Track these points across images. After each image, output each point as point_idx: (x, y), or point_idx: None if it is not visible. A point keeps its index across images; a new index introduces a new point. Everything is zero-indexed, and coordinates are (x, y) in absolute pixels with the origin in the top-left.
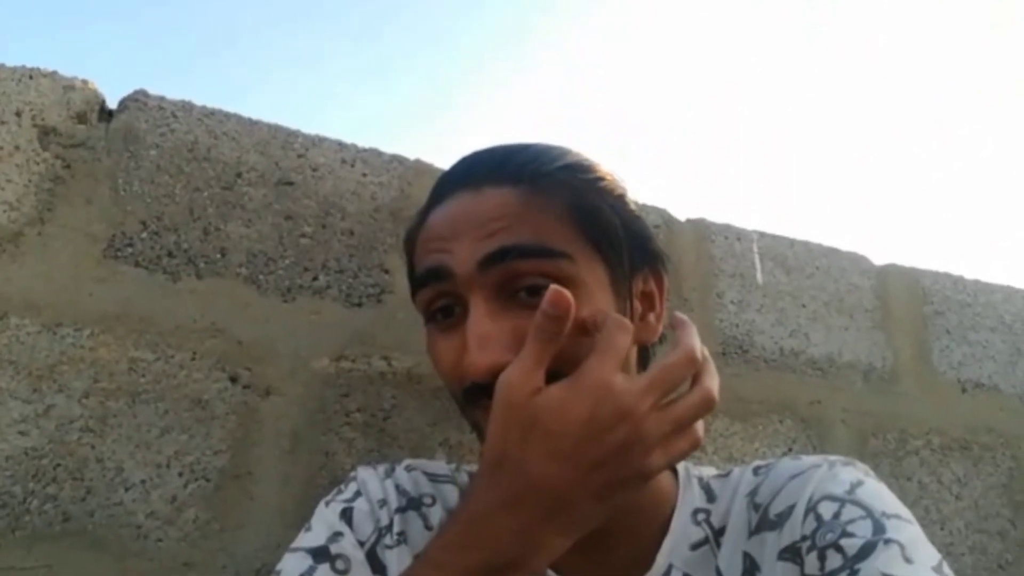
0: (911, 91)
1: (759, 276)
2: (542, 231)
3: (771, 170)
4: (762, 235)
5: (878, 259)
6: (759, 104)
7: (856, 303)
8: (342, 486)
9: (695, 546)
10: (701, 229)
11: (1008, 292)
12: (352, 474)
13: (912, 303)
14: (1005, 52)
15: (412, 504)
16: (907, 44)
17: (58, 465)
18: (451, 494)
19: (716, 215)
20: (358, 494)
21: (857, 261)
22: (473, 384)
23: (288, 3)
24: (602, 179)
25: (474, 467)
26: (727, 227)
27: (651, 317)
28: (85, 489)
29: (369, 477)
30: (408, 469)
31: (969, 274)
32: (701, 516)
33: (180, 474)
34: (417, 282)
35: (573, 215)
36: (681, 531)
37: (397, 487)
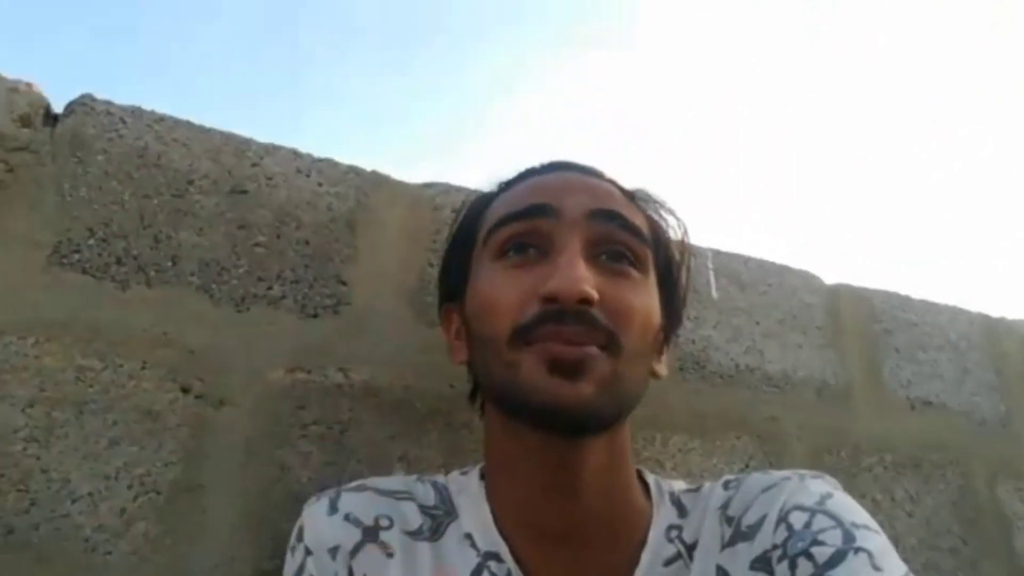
0: (907, 91)
1: (714, 292)
2: (638, 221)
3: (724, 185)
4: (717, 252)
5: (830, 278)
6: (719, 119)
7: (808, 321)
8: (293, 540)
9: (668, 562)
10: (691, 260)
11: (954, 312)
12: (299, 520)
13: (862, 322)
14: (1005, 52)
15: (368, 535)
16: (906, 44)
17: (1, 476)
18: (409, 512)
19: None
20: (307, 553)
21: (808, 279)
22: (543, 313)
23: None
24: (678, 221)
25: (438, 477)
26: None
27: (663, 357)
28: (29, 501)
29: (316, 520)
30: (358, 489)
31: (916, 294)
32: (674, 533)
33: (129, 486)
34: (508, 216)
35: (652, 235)
36: (656, 548)
37: (347, 517)
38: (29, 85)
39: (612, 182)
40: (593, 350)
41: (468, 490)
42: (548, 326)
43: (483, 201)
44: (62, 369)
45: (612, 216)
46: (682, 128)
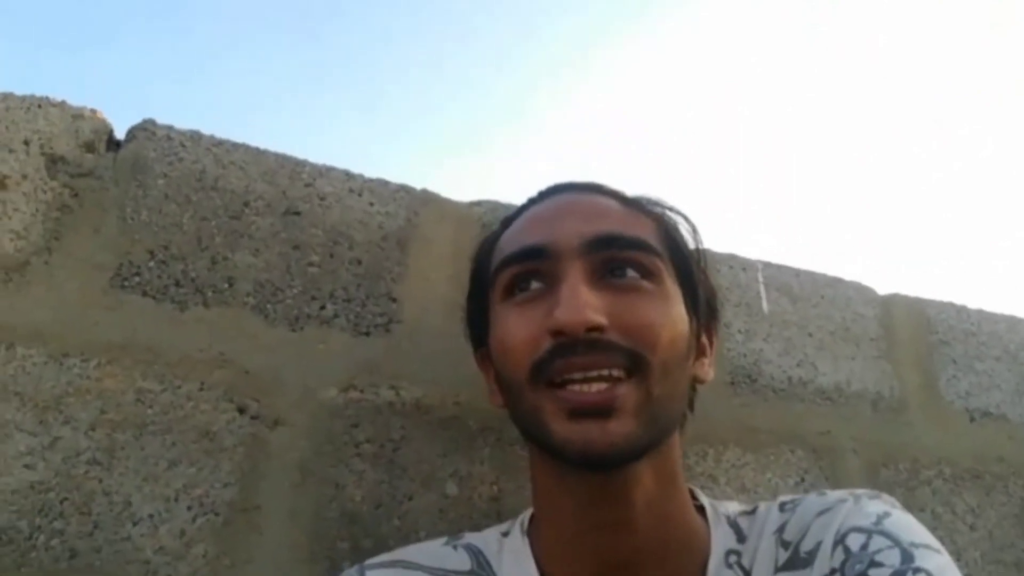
0: (907, 90)
1: (765, 305)
2: (642, 231)
3: (772, 199)
4: (767, 265)
5: (881, 289)
6: (758, 134)
7: (862, 333)
8: None
9: None
10: (706, 259)
11: (1012, 322)
12: None
13: (917, 333)
14: (1005, 52)
15: None
16: (907, 44)
17: (65, 499)
18: None
19: (720, 245)
20: None
21: (861, 291)
22: (555, 346)
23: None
24: (686, 220)
25: (472, 538)
26: (732, 256)
27: (705, 360)
28: (92, 524)
29: None
30: (386, 566)
31: (972, 303)
32: (732, 558)
33: (189, 508)
34: (507, 259)
35: (662, 235)
36: (716, 574)
37: None
38: (94, 111)
39: (612, 194)
40: (620, 390)
41: (510, 548)
42: (563, 359)
43: (490, 241)
44: (123, 391)
45: (609, 241)
46: (729, 139)
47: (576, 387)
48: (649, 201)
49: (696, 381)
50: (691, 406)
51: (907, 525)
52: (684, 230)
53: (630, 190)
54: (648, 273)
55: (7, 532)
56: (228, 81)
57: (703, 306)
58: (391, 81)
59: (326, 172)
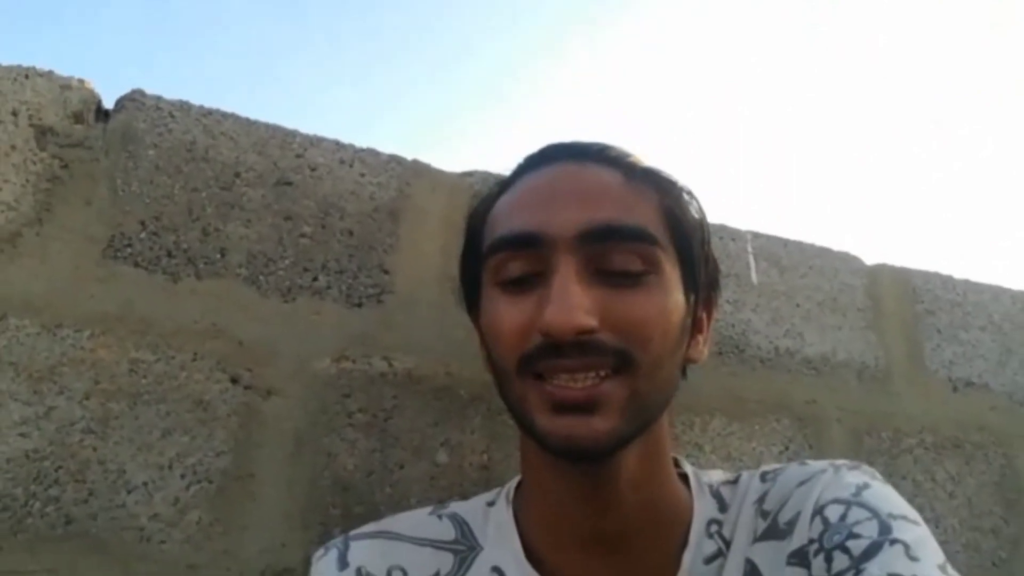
0: (906, 91)
1: (754, 276)
2: (642, 216)
3: (762, 170)
4: (756, 235)
5: (869, 259)
6: (752, 106)
7: (849, 302)
8: None
9: (709, 560)
10: (708, 233)
11: (996, 292)
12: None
13: (903, 302)
14: (1005, 52)
15: None
16: (907, 44)
17: (59, 467)
18: (427, 557)
19: (710, 216)
20: None
21: (849, 261)
22: (544, 344)
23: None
24: (689, 194)
25: (456, 507)
26: (722, 227)
27: (700, 338)
28: (87, 491)
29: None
30: (369, 536)
31: (958, 273)
32: (714, 528)
33: (183, 476)
34: (497, 244)
35: (664, 213)
36: (697, 544)
37: (359, 572)
38: (81, 81)
39: (615, 160)
40: (604, 387)
41: (495, 518)
42: (549, 359)
43: (485, 205)
44: (116, 362)
45: (607, 232)
46: (717, 109)
47: (562, 382)
48: (652, 171)
49: (688, 361)
50: (684, 375)
51: (886, 496)
52: (687, 202)
53: (634, 154)
54: (648, 264)
55: (3, 499)
56: (215, 53)
57: (703, 282)
58: (379, 53)
59: (317, 142)
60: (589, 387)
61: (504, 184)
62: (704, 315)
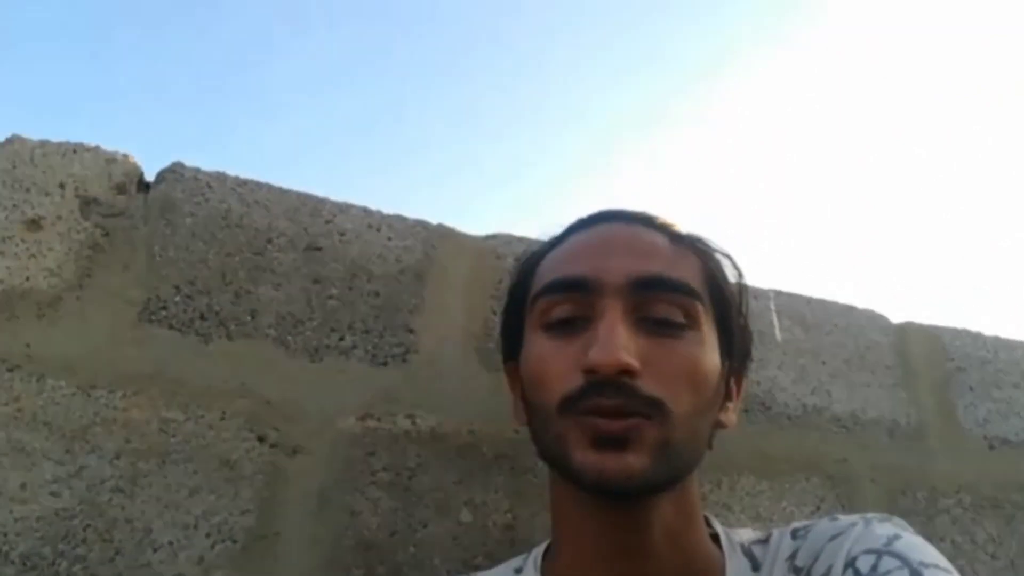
0: (928, 147)
1: (778, 334)
2: (686, 274)
3: (780, 228)
4: (778, 293)
5: (895, 316)
6: (772, 163)
7: (876, 360)
8: None
9: None
10: (748, 303)
11: None
12: None
13: (933, 360)
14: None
15: None
16: (919, 93)
17: (88, 526)
18: None
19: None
20: None
21: (874, 319)
22: (586, 384)
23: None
24: (731, 262)
25: (486, 573)
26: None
27: (731, 405)
28: (114, 550)
29: None
30: None
31: (988, 330)
32: None
33: (208, 535)
34: (548, 287)
35: (706, 277)
36: None
37: None
38: (125, 156)
39: (661, 227)
40: (636, 421)
41: None
42: (591, 399)
43: (533, 259)
44: (147, 421)
45: (654, 282)
46: (736, 167)
47: (601, 420)
48: (696, 239)
49: (718, 426)
50: (710, 445)
51: (917, 546)
52: (728, 270)
53: (678, 223)
54: (688, 318)
55: (31, 558)
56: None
57: (737, 351)
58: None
59: (346, 209)
60: (626, 424)
61: (554, 241)
62: (735, 384)
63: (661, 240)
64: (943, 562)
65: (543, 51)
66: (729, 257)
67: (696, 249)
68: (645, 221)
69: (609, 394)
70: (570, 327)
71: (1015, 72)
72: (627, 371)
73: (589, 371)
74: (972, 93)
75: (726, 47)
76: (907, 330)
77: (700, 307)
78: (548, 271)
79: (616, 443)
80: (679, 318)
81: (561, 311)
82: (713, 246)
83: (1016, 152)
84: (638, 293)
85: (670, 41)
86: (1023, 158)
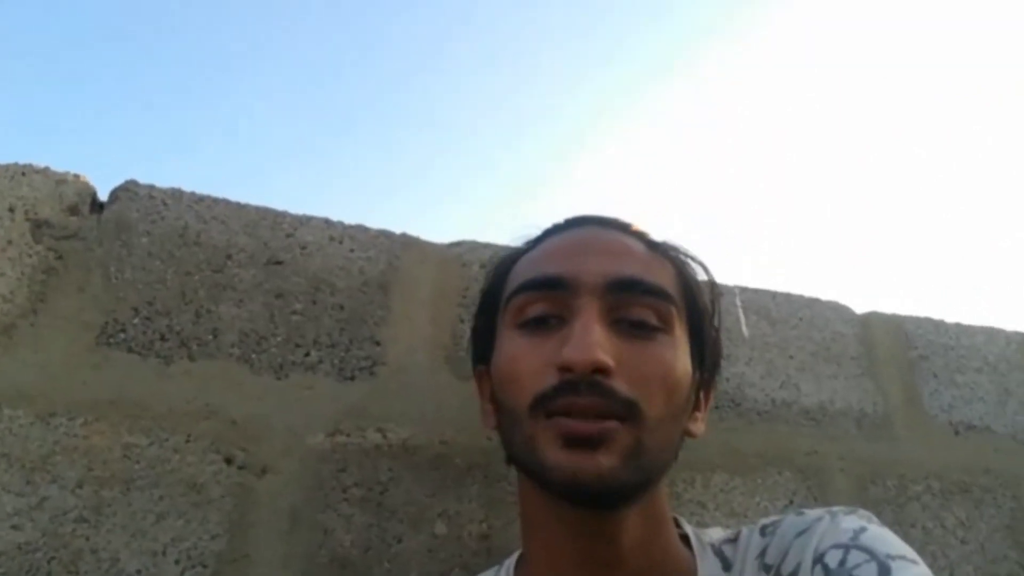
0: (886, 138)
1: (744, 330)
2: (662, 279)
3: (742, 223)
4: (743, 289)
5: (859, 307)
6: (735, 161)
7: (842, 351)
8: None
9: None
10: (720, 314)
11: (990, 333)
12: None
13: (897, 349)
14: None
15: None
16: (878, 61)
17: (52, 559)
18: None
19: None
20: None
21: (839, 310)
22: (560, 383)
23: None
24: (705, 271)
25: None
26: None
27: (698, 415)
28: None
29: None
30: None
31: (949, 317)
32: None
33: (177, 561)
34: (523, 285)
35: (680, 285)
36: None
37: None
38: (77, 176)
39: (636, 234)
40: (611, 424)
41: None
42: (566, 397)
43: (508, 262)
44: (109, 447)
45: (630, 283)
46: (698, 165)
47: (574, 420)
48: (671, 247)
49: (687, 435)
50: (676, 455)
51: (883, 538)
52: (702, 277)
53: (652, 231)
54: (662, 322)
55: None
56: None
57: (708, 361)
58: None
59: (306, 221)
60: (601, 427)
61: (528, 245)
62: (704, 395)
63: (637, 245)
64: (909, 552)
65: (498, 58)
66: (704, 267)
67: (671, 257)
68: (621, 227)
69: (584, 392)
70: (544, 326)
71: (967, 51)
72: (602, 369)
73: (564, 369)
74: (925, 74)
75: (681, 44)
76: (871, 320)
77: (675, 312)
78: (524, 271)
79: (589, 443)
80: (654, 321)
81: (536, 309)
82: (689, 254)
83: (975, 137)
84: (614, 294)
85: (624, 41)
86: (984, 144)
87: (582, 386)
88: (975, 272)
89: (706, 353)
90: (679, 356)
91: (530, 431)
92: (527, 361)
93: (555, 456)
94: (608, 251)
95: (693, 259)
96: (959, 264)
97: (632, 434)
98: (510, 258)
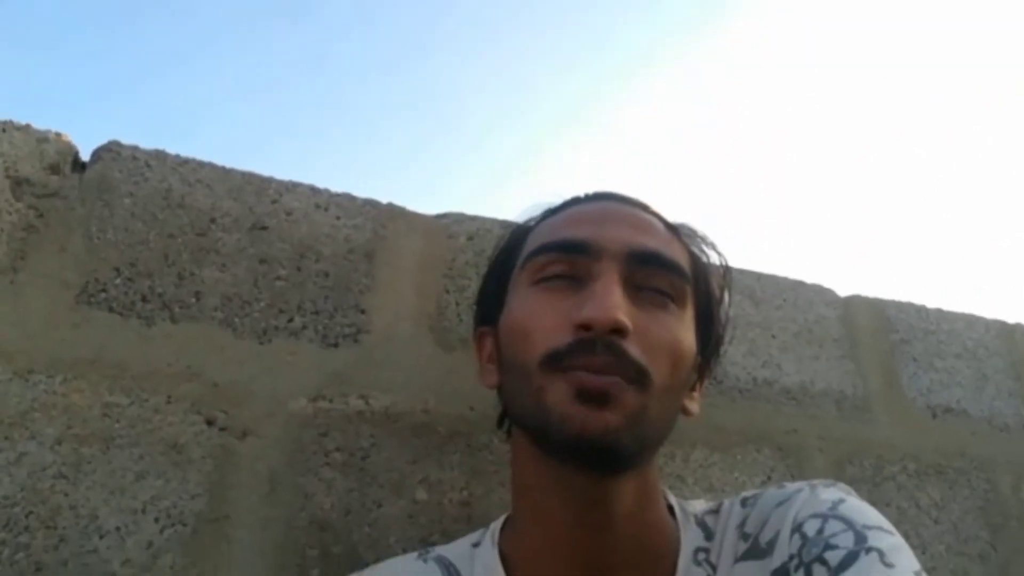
0: (876, 121)
1: (728, 309)
2: (679, 257)
3: (726, 207)
4: (728, 269)
5: (842, 290)
6: (723, 139)
7: (824, 333)
8: None
9: None
10: (729, 302)
11: (969, 320)
12: None
13: (878, 332)
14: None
15: None
16: (877, 67)
17: (30, 513)
18: None
19: None
20: None
21: (822, 293)
22: (576, 340)
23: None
24: (718, 255)
25: (443, 550)
26: None
27: (695, 394)
28: (58, 537)
29: None
30: None
31: (931, 303)
32: (701, 556)
33: (156, 520)
34: (545, 246)
35: (693, 268)
36: (685, 573)
37: None
38: (58, 134)
39: (655, 214)
40: (620, 382)
41: (481, 559)
42: (580, 355)
43: (525, 228)
44: (89, 406)
45: (651, 257)
46: (687, 142)
47: (588, 374)
48: (688, 231)
49: (683, 411)
50: (671, 429)
51: (860, 509)
52: (712, 267)
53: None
54: (677, 297)
55: None
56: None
57: (712, 345)
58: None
59: (292, 188)
60: (610, 380)
61: (549, 211)
62: (700, 377)
63: (657, 222)
64: (886, 524)
65: (474, 50)
66: (720, 253)
67: (686, 240)
68: (641, 206)
69: (599, 352)
70: (562, 285)
71: (940, 40)
72: (620, 330)
73: (582, 327)
74: (911, 59)
75: (655, 40)
76: (853, 303)
77: (688, 290)
78: (545, 234)
79: (597, 399)
80: (670, 295)
81: (556, 269)
82: (706, 240)
83: (960, 125)
84: (634, 265)
85: (597, 38)
86: (969, 133)
87: (598, 345)
88: (958, 260)
89: (711, 337)
90: (687, 332)
91: (540, 383)
92: (542, 317)
93: (565, 408)
94: (631, 223)
95: (710, 245)
96: (942, 251)
97: (639, 399)
98: (525, 225)
